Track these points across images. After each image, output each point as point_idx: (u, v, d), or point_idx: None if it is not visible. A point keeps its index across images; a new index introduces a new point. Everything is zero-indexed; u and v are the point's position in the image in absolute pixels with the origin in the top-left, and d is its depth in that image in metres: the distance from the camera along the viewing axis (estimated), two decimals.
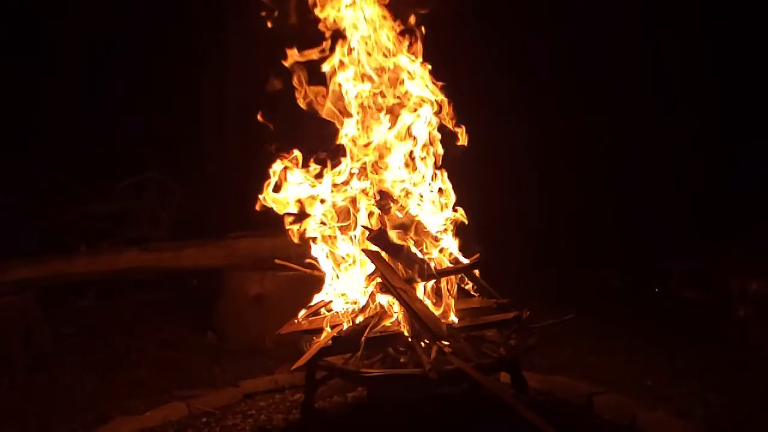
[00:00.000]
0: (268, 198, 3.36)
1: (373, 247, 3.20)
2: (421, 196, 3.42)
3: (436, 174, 3.46)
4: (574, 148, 6.77)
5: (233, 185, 6.66)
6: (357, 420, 3.53)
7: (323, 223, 3.34)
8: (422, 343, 2.93)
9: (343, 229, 3.34)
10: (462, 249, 3.40)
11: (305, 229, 3.34)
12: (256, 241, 5.17)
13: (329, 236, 3.35)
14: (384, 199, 3.33)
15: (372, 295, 3.16)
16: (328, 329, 3.10)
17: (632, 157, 6.67)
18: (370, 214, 3.29)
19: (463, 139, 3.47)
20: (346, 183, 3.37)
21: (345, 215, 3.35)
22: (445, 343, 2.89)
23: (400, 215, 3.28)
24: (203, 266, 5.25)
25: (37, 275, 4.72)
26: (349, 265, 3.33)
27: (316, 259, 3.39)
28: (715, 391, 3.73)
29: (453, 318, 3.17)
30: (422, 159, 3.43)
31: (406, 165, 3.43)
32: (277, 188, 3.38)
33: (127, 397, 4.07)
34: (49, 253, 4.92)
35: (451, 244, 3.38)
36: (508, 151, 6.53)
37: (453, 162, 3.47)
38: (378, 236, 3.21)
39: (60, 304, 5.50)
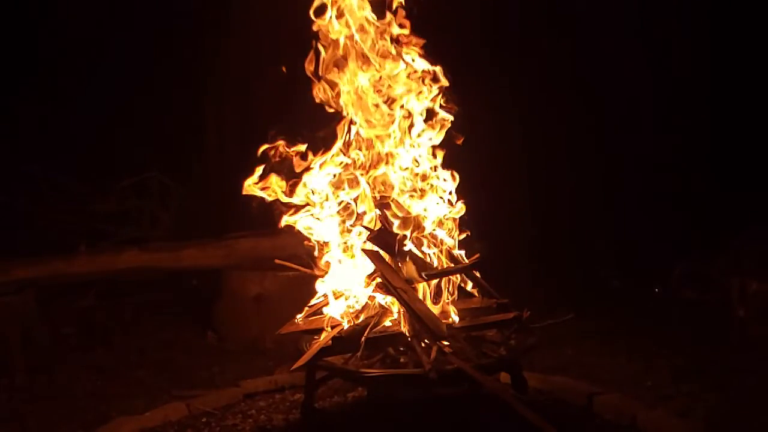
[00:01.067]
0: (251, 187, 3.35)
1: (373, 247, 3.20)
2: (422, 190, 3.42)
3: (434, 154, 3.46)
4: (574, 148, 6.77)
5: (233, 185, 6.65)
6: (357, 420, 3.53)
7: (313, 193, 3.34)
8: (422, 343, 2.93)
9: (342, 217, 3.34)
10: (462, 248, 3.40)
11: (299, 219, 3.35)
12: (256, 241, 5.17)
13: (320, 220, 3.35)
14: (384, 198, 3.33)
15: (372, 295, 3.16)
16: (328, 329, 3.11)
17: (632, 157, 6.67)
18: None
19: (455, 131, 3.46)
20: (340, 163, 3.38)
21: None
22: (445, 343, 2.89)
23: (399, 213, 3.28)
24: (203, 266, 5.25)
25: (37, 275, 4.71)
26: (348, 255, 3.32)
27: (313, 252, 3.39)
28: (715, 391, 3.73)
29: (453, 318, 3.17)
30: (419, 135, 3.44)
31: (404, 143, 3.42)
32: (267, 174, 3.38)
33: (127, 397, 4.06)
34: (49, 253, 4.92)
35: (451, 243, 3.39)
36: (507, 151, 6.53)
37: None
38: (378, 236, 3.21)
39: (60, 304, 5.49)
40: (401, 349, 3.01)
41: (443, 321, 3.04)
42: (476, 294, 3.35)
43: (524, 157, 6.78)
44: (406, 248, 3.19)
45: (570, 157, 6.81)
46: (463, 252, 3.38)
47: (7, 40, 6.78)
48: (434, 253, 3.31)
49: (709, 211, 5.95)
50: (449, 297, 3.22)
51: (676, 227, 6.17)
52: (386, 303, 3.14)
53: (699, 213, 6.05)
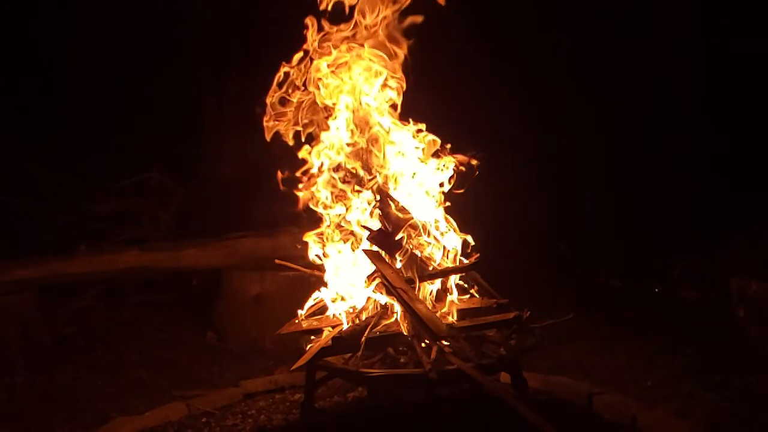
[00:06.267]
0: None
1: (373, 247, 3.20)
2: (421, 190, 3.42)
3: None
4: (574, 148, 6.77)
5: (233, 185, 6.65)
6: (357, 420, 3.53)
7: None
8: (422, 343, 2.93)
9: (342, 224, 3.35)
10: (463, 248, 3.40)
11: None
12: (256, 241, 5.16)
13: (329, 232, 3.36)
14: (383, 198, 3.33)
15: (372, 296, 3.16)
16: (329, 329, 3.11)
17: (632, 157, 6.68)
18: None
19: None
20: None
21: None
22: (445, 343, 2.89)
23: (399, 214, 3.28)
24: (203, 266, 5.25)
25: (37, 275, 4.71)
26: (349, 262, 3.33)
27: (316, 257, 3.39)
28: (715, 391, 3.73)
29: (453, 317, 3.17)
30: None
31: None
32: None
33: (127, 397, 4.07)
34: (49, 253, 4.92)
35: (451, 243, 3.39)
36: (507, 152, 6.53)
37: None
38: (378, 236, 3.21)
39: (60, 304, 5.49)
40: (401, 349, 3.01)
41: (443, 321, 3.04)
42: (476, 294, 3.35)
43: (525, 157, 6.79)
44: (406, 248, 3.19)
45: (570, 158, 6.81)
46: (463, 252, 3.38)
47: (9, 40, 6.78)
48: (434, 254, 3.31)
49: (709, 211, 5.95)
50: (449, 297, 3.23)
51: (676, 227, 6.17)
52: (386, 303, 3.14)
53: (699, 213, 6.06)
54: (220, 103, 7.23)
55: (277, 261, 3.69)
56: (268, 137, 3.48)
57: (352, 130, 3.40)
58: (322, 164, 3.42)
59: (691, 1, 6.49)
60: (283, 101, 3.47)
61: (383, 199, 3.31)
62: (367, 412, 3.53)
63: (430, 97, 3.58)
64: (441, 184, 3.44)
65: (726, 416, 3.44)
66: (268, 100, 3.47)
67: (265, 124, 3.48)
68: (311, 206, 3.43)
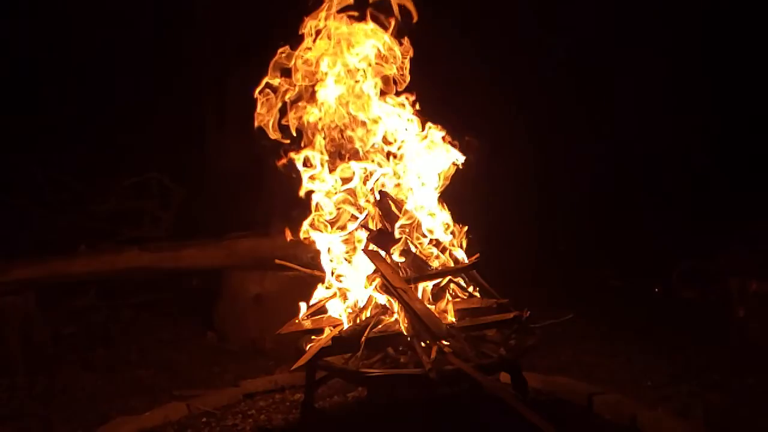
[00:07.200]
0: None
1: (373, 247, 3.20)
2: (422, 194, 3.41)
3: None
4: (574, 148, 6.77)
5: (233, 185, 6.65)
6: (357, 420, 3.53)
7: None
8: (422, 343, 2.93)
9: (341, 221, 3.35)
10: (464, 249, 3.40)
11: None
12: (256, 241, 5.16)
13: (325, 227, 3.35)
14: (384, 199, 3.33)
15: (372, 296, 3.16)
16: (329, 329, 3.11)
17: (633, 157, 6.68)
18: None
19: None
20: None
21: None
22: (445, 343, 2.89)
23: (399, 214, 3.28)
24: (203, 266, 5.25)
25: (37, 275, 4.71)
26: (350, 262, 3.32)
27: (316, 257, 3.39)
28: (715, 391, 3.73)
29: (453, 317, 3.17)
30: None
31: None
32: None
33: (127, 397, 4.07)
34: (49, 253, 4.92)
35: (451, 243, 3.38)
36: (507, 151, 6.53)
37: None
38: (378, 236, 3.21)
39: (60, 304, 5.50)
40: (401, 349, 3.01)
41: (443, 321, 3.04)
42: (476, 294, 3.35)
43: (524, 157, 6.79)
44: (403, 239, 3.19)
45: (570, 157, 6.82)
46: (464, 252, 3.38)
47: (9, 39, 6.78)
48: (434, 253, 3.31)
49: (709, 210, 5.95)
50: (449, 297, 3.22)
51: (676, 227, 6.18)
52: (386, 303, 3.13)
53: (699, 213, 6.06)
54: (220, 99, 7.23)
55: (277, 261, 3.69)
56: (255, 126, 3.46)
57: (340, 100, 3.37)
58: (309, 134, 3.39)
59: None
60: (269, 86, 3.44)
61: (382, 197, 3.31)
62: (367, 412, 3.53)
63: (428, 91, 3.56)
64: (454, 164, 3.41)
65: (726, 416, 3.44)
66: (257, 91, 3.45)
67: (256, 114, 3.45)
68: (294, 170, 3.39)
